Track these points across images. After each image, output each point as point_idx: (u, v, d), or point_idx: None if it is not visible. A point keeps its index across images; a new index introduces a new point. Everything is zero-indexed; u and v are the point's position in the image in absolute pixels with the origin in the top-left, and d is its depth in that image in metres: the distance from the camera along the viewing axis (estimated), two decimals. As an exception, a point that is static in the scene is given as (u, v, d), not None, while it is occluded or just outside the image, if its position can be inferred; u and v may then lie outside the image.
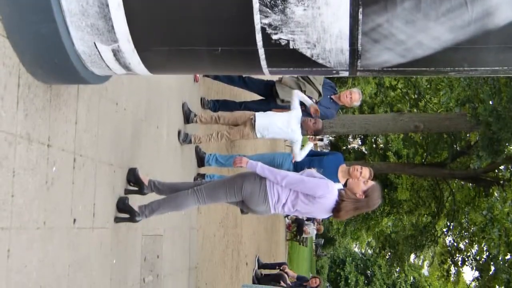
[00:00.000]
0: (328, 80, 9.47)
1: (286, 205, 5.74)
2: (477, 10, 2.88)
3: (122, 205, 5.47)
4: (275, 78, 9.25)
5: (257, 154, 9.16)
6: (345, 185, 6.64)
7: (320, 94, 8.97)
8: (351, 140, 37.18)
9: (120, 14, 3.14)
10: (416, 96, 26.66)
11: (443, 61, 3.20)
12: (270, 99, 9.10)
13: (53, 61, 3.38)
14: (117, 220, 5.41)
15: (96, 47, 3.33)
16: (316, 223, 34.22)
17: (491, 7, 2.86)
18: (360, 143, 37.24)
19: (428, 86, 24.98)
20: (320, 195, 5.62)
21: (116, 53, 3.37)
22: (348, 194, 5.73)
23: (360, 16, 2.98)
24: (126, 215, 5.51)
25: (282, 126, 8.16)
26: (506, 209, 18.27)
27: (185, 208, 6.11)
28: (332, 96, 9.20)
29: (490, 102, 16.16)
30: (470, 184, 26.12)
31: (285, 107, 8.97)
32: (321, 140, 49.72)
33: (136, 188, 5.85)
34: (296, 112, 8.31)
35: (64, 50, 3.26)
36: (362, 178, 6.81)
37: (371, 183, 5.90)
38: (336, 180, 8.01)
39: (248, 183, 5.74)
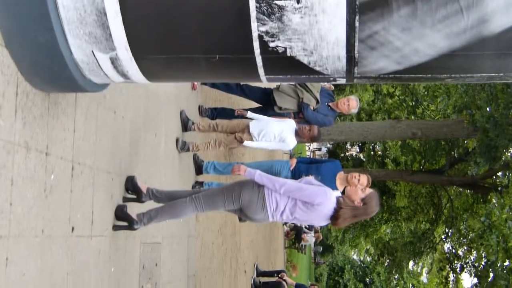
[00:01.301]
0: (325, 87, 9.50)
1: (285, 212, 5.74)
2: (472, 18, 2.90)
3: (121, 213, 5.47)
4: (273, 85, 9.27)
5: (255, 162, 9.17)
6: (343, 192, 6.65)
7: (317, 101, 8.99)
8: (349, 147, 37.21)
9: (118, 23, 3.15)
10: (413, 103, 26.73)
11: (440, 68, 3.22)
12: (268, 106, 9.12)
13: (51, 69, 3.39)
14: (116, 228, 5.41)
15: (94, 55, 3.34)
16: (314, 231, 34.18)
17: (487, 14, 2.88)
18: (358, 150, 37.29)
19: (426, 93, 25.05)
20: (319, 202, 5.62)
21: (114, 61, 3.38)
22: (346, 202, 5.74)
23: (357, 24, 3.00)
24: (125, 223, 5.51)
25: (275, 133, 8.18)
26: (504, 215, 18.26)
27: (183, 216, 6.12)
28: (330, 103, 9.21)
29: (487, 109, 16.21)
30: (468, 190, 26.16)
31: (283, 114, 9.00)
32: (319, 149, 49.80)
33: (134, 196, 5.85)
34: (290, 122, 8.37)
35: (62, 58, 3.27)
36: (360, 186, 6.82)
37: (369, 190, 5.91)
38: (334, 187, 8.01)
39: (246, 191, 5.74)
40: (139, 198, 5.86)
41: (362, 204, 5.76)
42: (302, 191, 5.67)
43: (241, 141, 8.26)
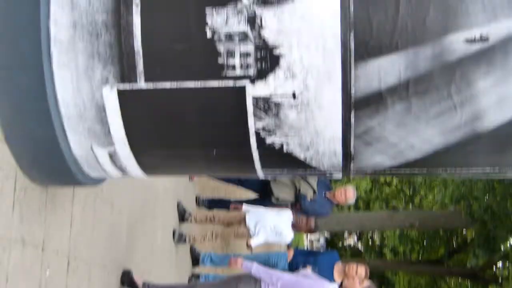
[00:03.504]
0: (323, 177, 9.52)
1: None
2: (466, 114, 2.94)
3: None
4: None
5: (252, 254, 9.09)
6: (341, 285, 6.57)
7: (315, 192, 8.99)
8: (346, 236, 37.00)
9: (117, 118, 3.19)
10: (411, 192, 26.75)
11: (435, 163, 3.25)
12: (265, 197, 9.11)
13: (50, 164, 3.40)
14: None
15: (93, 151, 3.37)
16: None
17: (480, 110, 2.93)
18: (356, 239, 37.05)
19: (423, 182, 25.09)
20: None
21: (112, 156, 3.40)
22: None
23: (353, 120, 3.04)
24: None
25: (272, 226, 8.13)
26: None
27: None
28: (327, 194, 9.21)
29: (485, 199, 16.21)
30: (468, 281, 25.86)
31: (280, 205, 8.98)
32: (318, 240, 49.48)
33: None
34: (287, 213, 8.33)
35: (61, 153, 3.29)
36: (358, 278, 6.78)
37: (366, 283, 5.84)
38: (332, 279, 7.93)
39: (243, 285, 5.68)
40: None
41: None
42: (299, 286, 5.60)
43: (250, 248, 8.25)
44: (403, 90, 2.94)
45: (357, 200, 27.77)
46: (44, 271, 3.89)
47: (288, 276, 5.78)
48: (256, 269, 5.68)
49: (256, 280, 5.67)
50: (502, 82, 2.88)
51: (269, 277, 5.64)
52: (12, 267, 3.48)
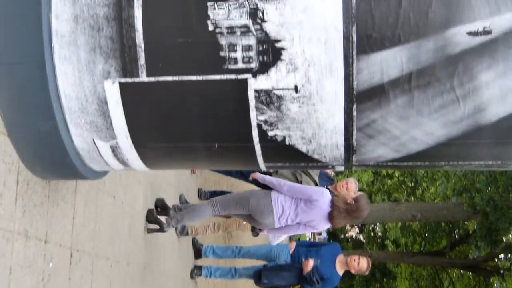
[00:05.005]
0: (324, 170, 9.52)
1: (290, 216, 6.59)
2: (469, 106, 2.94)
3: (152, 217, 6.52)
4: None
5: (254, 246, 9.10)
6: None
7: (316, 184, 8.99)
8: (348, 228, 37.02)
9: (119, 112, 3.19)
10: (413, 184, 26.76)
11: (437, 156, 3.25)
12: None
13: (52, 157, 3.41)
14: (149, 231, 6.51)
15: (95, 144, 3.37)
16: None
17: (483, 103, 2.92)
18: (358, 231, 37.08)
19: (425, 174, 25.10)
20: (317, 198, 6.53)
21: (114, 149, 3.40)
22: (339, 200, 6.58)
23: (355, 112, 3.04)
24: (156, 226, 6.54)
25: None
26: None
27: (203, 216, 7.06)
28: (329, 187, 9.20)
29: (487, 191, 16.22)
30: (470, 273, 25.90)
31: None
32: (320, 234, 49.55)
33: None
34: None
35: (63, 147, 3.29)
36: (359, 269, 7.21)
37: (358, 193, 7.01)
38: (333, 271, 7.97)
39: (256, 197, 6.72)
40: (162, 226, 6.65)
41: (353, 202, 6.56)
42: (301, 189, 6.73)
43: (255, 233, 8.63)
44: (405, 83, 2.94)
45: (359, 193, 27.71)
46: (47, 263, 3.90)
47: (293, 183, 6.93)
48: (268, 179, 6.78)
49: (267, 195, 6.69)
50: (504, 75, 2.88)
51: (277, 183, 6.71)
52: (16, 260, 3.48)
